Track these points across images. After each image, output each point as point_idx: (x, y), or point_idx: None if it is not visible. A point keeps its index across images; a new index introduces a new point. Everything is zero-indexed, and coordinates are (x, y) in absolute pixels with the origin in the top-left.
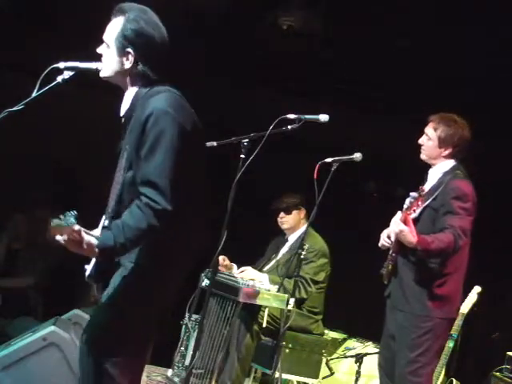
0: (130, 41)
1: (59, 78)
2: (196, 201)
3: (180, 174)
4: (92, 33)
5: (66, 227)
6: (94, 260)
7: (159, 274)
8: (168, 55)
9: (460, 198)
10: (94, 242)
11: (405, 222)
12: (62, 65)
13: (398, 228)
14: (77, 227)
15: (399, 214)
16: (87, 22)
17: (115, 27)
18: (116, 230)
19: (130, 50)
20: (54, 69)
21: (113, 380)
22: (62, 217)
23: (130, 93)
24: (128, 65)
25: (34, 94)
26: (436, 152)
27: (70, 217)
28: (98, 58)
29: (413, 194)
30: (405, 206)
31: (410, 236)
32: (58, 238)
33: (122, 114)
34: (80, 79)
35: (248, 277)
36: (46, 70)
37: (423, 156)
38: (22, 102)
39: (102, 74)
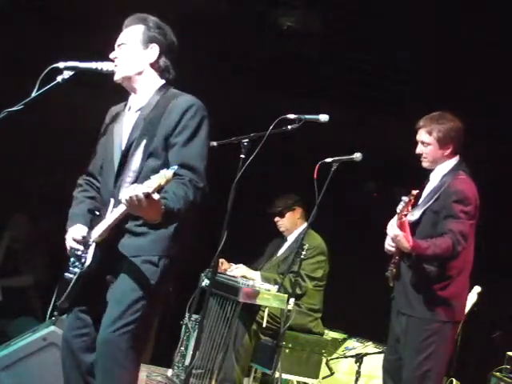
0: (156, 37)
1: (59, 78)
2: None
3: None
4: (92, 33)
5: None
6: (92, 249)
7: (166, 267)
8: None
9: (461, 201)
10: (162, 200)
11: (401, 226)
12: (61, 65)
13: (392, 233)
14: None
15: (396, 217)
16: (87, 22)
17: (136, 31)
18: (169, 197)
19: (155, 44)
20: (54, 69)
21: (129, 372)
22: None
23: (148, 89)
24: (153, 58)
25: (34, 94)
26: (438, 154)
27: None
28: (97, 57)
29: (404, 198)
30: (397, 211)
31: (405, 241)
32: (129, 192)
33: (135, 108)
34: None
35: (239, 274)
36: (46, 70)
37: (426, 164)
38: (22, 102)
39: (118, 75)
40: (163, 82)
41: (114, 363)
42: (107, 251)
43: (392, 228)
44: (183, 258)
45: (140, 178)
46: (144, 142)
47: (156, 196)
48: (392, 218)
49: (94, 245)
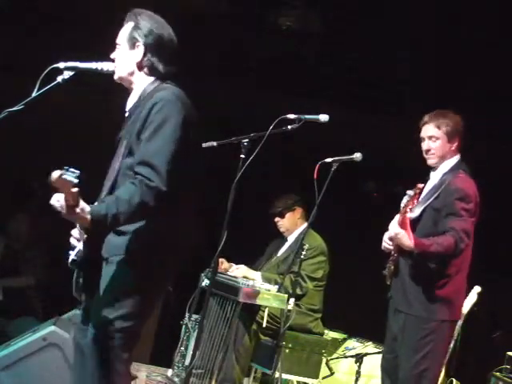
0: (140, 35)
1: (59, 78)
2: (188, 199)
3: (178, 163)
4: (92, 33)
5: (68, 182)
6: (78, 246)
7: (149, 267)
8: (176, 52)
9: (463, 199)
10: (88, 208)
11: (402, 224)
12: (61, 65)
13: (394, 231)
14: (75, 189)
15: (398, 216)
16: (87, 22)
17: (127, 29)
18: (109, 201)
19: (139, 43)
20: (54, 69)
21: (118, 374)
22: (64, 171)
23: (138, 89)
24: (139, 56)
25: (34, 94)
26: (447, 148)
27: (74, 174)
28: (98, 58)
29: (409, 192)
30: (402, 205)
31: (406, 239)
32: (54, 200)
33: (127, 108)
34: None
35: (240, 274)
36: (46, 70)
37: (433, 160)
38: (22, 102)
39: (116, 75)
40: (152, 79)
41: (103, 364)
42: (92, 249)
43: (393, 227)
44: (181, 258)
45: (119, 176)
46: (125, 141)
47: (82, 202)
48: (393, 217)
49: (81, 243)
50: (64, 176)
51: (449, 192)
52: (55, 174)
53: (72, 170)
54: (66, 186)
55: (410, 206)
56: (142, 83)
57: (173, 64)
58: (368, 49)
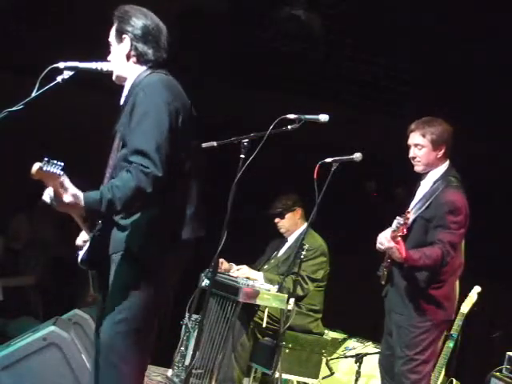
0: (124, 28)
1: (59, 78)
2: (186, 186)
3: (169, 148)
4: (92, 33)
5: (52, 175)
6: (87, 245)
7: (149, 261)
8: (164, 37)
9: (453, 212)
10: (80, 194)
11: (394, 237)
12: (61, 65)
13: (387, 245)
14: (62, 178)
15: (389, 230)
16: (87, 22)
17: (113, 29)
18: (104, 188)
19: (125, 35)
20: (54, 69)
21: (123, 375)
22: (46, 163)
23: (130, 79)
24: (126, 48)
25: (34, 94)
26: (432, 156)
27: (57, 166)
28: (97, 58)
29: (399, 218)
30: (392, 228)
31: (398, 254)
32: (46, 196)
33: (121, 102)
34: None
35: (243, 275)
36: (46, 70)
37: (419, 168)
38: (22, 102)
39: (113, 75)
40: (144, 68)
41: (107, 365)
42: (99, 247)
43: (386, 240)
44: (185, 249)
45: (116, 170)
46: (119, 133)
47: (73, 188)
48: (392, 217)
49: (89, 241)
50: (46, 168)
51: (440, 204)
52: (35, 167)
53: (54, 161)
54: (52, 179)
55: (400, 233)
56: (133, 74)
57: (165, 49)
58: (368, 49)
